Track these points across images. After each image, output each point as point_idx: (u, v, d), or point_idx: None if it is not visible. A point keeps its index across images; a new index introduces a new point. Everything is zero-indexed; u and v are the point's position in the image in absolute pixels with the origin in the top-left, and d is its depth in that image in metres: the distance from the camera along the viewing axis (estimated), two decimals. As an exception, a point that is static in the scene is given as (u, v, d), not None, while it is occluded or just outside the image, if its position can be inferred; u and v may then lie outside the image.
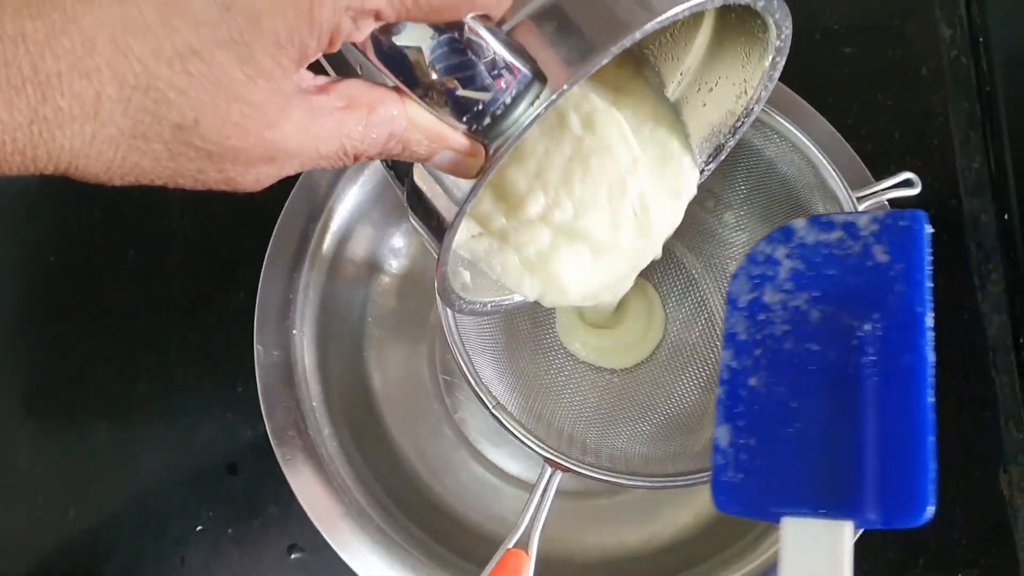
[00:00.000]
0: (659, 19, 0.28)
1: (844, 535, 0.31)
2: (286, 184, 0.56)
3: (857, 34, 0.65)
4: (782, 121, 0.53)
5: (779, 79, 0.39)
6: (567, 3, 0.29)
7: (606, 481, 0.48)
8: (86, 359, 0.62)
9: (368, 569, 0.50)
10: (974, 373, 0.60)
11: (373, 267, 0.59)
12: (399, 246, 0.60)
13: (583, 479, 0.49)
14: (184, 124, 0.22)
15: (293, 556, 0.58)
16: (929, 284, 0.37)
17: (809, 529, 0.32)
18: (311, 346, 0.54)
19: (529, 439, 0.49)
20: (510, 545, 0.47)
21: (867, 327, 0.35)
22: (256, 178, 0.25)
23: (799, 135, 0.52)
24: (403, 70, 0.27)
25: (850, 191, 0.52)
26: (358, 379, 0.57)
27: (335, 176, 0.55)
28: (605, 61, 0.28)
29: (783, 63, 0.38)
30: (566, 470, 0.49)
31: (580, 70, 0.28)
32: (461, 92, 0.27)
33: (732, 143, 0.44)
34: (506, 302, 0.45)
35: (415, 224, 0.35)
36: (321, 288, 0.55)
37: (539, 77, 0.28)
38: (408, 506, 0.53)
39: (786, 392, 0.35)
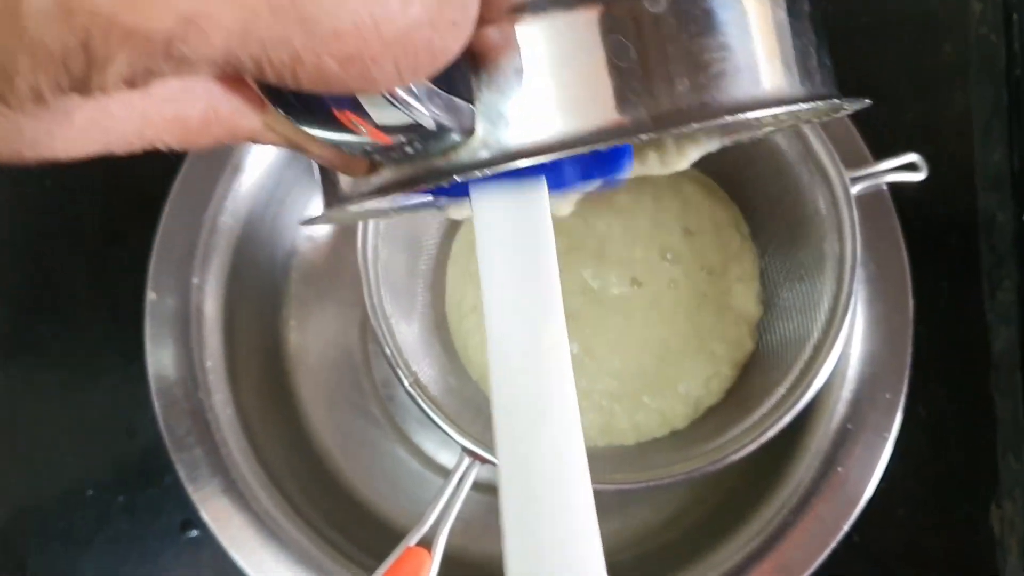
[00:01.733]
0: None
1: (539, 192, 0.26)
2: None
3: (872, 2, 0.58)
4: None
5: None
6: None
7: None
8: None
9: (255, 561, 0.44)
10: (972, 391, 0.52)
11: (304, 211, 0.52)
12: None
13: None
14: None
15: (188, 534, 0.52)
16: None
17: (500, 195, 0.26)
18: (214, 297, 0.47)
19: (446, 423, 0.42)
20: (412, 543, 0.41)
21: None
22: None
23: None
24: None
25: (844, 170, 0.45)
26: (270, 340, 0.50)
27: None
28: None
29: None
30: (484, 461, 0.42)
31: None
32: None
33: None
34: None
35: None
36: (237, 232, 0.49)
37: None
38: (312, 489, 0.47)
39: None
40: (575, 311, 0.49)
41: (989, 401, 0.52)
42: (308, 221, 0.34)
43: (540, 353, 0.25)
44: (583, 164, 0.28)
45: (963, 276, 0.54)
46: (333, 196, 0.28)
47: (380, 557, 0.41)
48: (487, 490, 0.50)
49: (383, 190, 0.25)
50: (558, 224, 0.45)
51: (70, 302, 0.55)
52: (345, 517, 0.47)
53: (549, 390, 0.25)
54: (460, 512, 0.42)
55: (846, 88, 0.50)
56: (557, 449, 0.24)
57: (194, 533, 0.51)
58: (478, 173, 0.22)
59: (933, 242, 0.53)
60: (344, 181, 0.27)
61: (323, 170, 0.28)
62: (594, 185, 0.29)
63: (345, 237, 0.54)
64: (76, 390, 0.54)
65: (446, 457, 0.52)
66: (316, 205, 0.54)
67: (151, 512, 0.52)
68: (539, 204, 0.26)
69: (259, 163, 0.49)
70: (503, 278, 0.26)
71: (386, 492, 0.49)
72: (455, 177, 0.22)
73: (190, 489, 0.44)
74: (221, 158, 0.49)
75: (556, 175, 0.27)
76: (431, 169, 0.23)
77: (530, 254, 0.26)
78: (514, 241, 0.26)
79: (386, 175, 0.25)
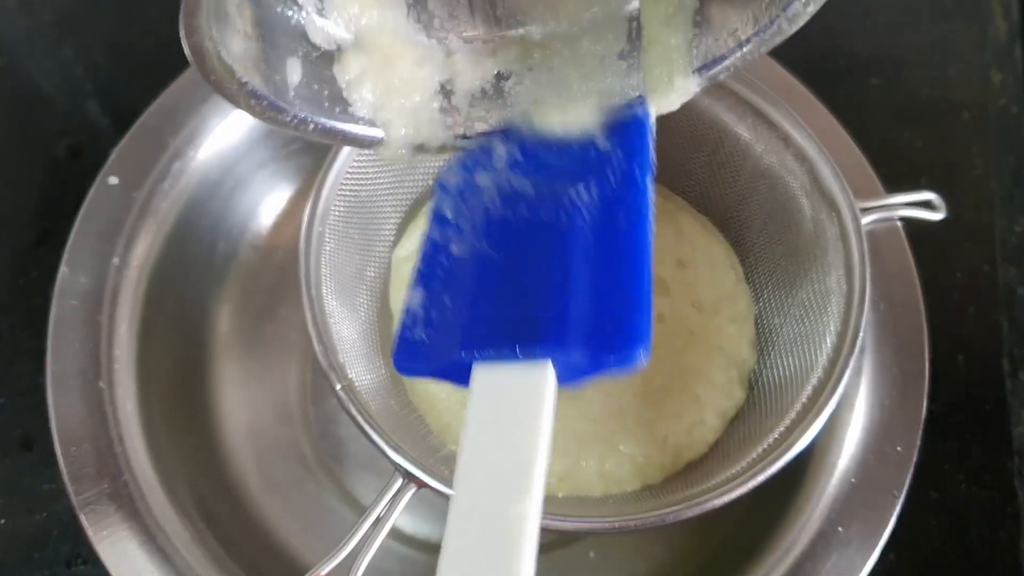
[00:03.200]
0: None
1: (543, 379, 0.27)
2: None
3: (887, 65, 0.55)
4: (774, 108, 0.42)
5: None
6: None
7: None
8: None
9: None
10: (992, 479, 0.46)
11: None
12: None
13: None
14: None
15: (73, 568, 0.44)
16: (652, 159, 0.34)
17: (504, 375, 0.27)
18: (134, 282, 0.42)
19: (379, 435, 0.36)
20: (321, 572, 0.34)
21: (584, 191, 0.32)
22: None
23: (795, 126, 0.41)
24: None
25: (854, 199, 0.40)
26: (192, 344, 0.44)
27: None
28: None
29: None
30: (422, 485, 0.36)
31: None
32: None
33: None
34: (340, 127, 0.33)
35: None
36: (172, 218, 0.44)
37: None
38: (217, 514, 0.40)
39: (489, 248, 0.32)
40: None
41: (1010, 492, 0.45)
42: None
43: (505, 527, 0.24)
44: (596, 351, 0.28)
45: (982, 353, 0.48)
46: None
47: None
48: (417, 545, 0.43)
49: None
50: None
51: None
52: (252, 549, 0.40)
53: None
54: (382, 562, 0.35)
55: (863, 146, 0.47)
56: None
57: (82, 568, 0.44)
58: None
59: (949, 312, 0.48)
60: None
61: None
62: (606, 375, 0.29)
63: (295, 251, 0.48)
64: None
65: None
66: (270, 206, 0.50)
67: (34, 541, 0.45)
68: (542, 390, 0.27)
69: (209, 148, 0.45)
70: (486, 450, 0.26)
71: (304, 532, 0.42)
72: None
73: (73, 490, 0.37)
74: (166, 139, 0.44)
75: (566, 364, 0.27)
76: None
77: (522, 435, 0.26)
78: (508, 419, 0.26)
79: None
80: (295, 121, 0.31)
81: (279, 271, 0.48)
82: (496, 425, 0.26)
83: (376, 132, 0.34)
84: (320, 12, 0.32)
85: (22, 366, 0.49)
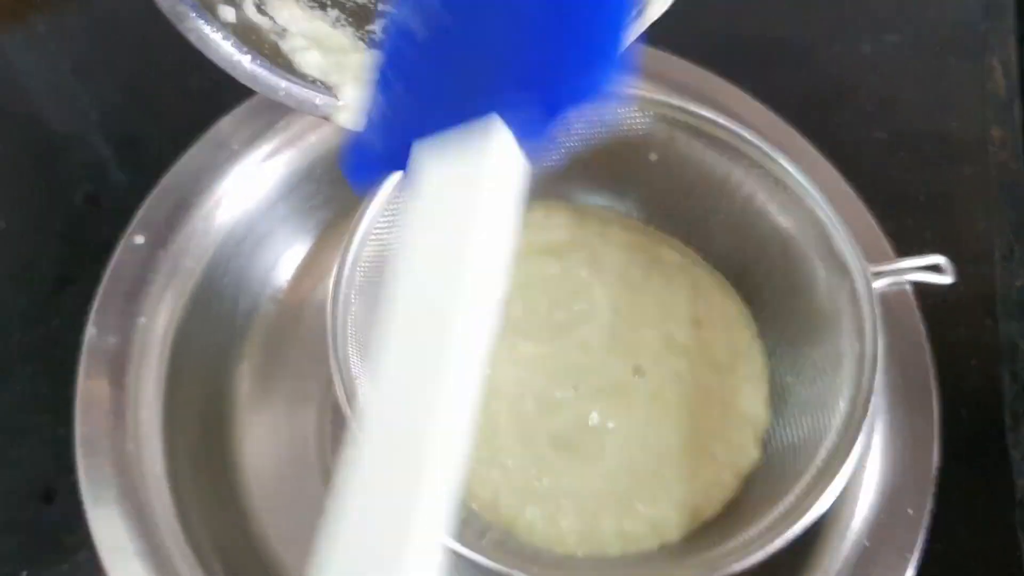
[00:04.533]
0: None
1: (492, 134, 0.21)
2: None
3: (889, 119, 0.56)
4: (787, 167, 0.43)
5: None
6: None
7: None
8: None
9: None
10: (995, 533, 0.47)
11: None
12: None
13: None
14: None
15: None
16: None
17: (449, 149, 0.21)
18: (161, 341, 0.42)
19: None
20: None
21: None
22: None
23: (809, 188, 0.43)
24: None
25: (865, 263, 0.41)
26: (216, 401, 0.45)
27: (249, 136, 0.46)
28: None
29: None
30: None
31: None
32: None
33: None
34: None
35: None
36: (196, 276, 0.44)
37: None
38: (238, 567, 0.40)
39: (440, 44, 0.24)
40: (570, 400, 0.44)
41: (1014, 547, 0.46)
42: None
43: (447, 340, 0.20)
44: (549, 80, 0.22)
45: (984, 406, 0.50)
46: None
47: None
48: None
49: None
50: (568, 286, 0.40)
51: (3, 352, 0.50)
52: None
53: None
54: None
55: (867, 201, 0.48)
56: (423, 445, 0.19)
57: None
58: None
59: (952, 366, 0.49)
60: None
61: None
62: (577, 116, 0.23)
63: (313, 304, 0.49)
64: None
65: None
66: (291, 260, 0.51)
67: (55, 593, 0.45)
68: (492, 144, 0.21)
69: (232, 206, 0.46)
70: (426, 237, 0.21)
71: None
72: None
73: (101, 549, 0.38)
74: (190, 198, 0.45)
75: (518, 113, 0.22)
76: None
77: (468, 209, 0.21)
78: (456, 195, 0.21)
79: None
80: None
81: (299, 324, 0.49)
82: (442, 204, 0.21)
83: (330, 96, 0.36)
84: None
85: (41, 416, 0.49)
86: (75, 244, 0.53)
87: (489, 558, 0.36)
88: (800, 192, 0.43)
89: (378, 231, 0.42)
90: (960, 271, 0.44)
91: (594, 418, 0.44)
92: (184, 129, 0.49)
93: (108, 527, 0.39)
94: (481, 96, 0.23)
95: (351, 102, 0.36)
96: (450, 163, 0.22)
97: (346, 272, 0.41)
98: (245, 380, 0.47)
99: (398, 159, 0.24)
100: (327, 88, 0.36)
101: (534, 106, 0.22)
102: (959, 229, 0.54)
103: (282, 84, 0.35)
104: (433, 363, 0.20)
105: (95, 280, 0.46)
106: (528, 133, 0.22)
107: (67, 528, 0.46)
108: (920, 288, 0.45)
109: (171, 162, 0.47)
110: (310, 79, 0.36)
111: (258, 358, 0.48)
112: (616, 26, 0.22)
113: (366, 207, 0.42)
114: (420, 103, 0.25)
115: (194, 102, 0.53)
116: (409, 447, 0.20)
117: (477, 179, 0.21)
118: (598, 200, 0.49)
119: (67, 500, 0.46)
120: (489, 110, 0.22)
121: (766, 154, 0.43)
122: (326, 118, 0.36)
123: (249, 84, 0.35)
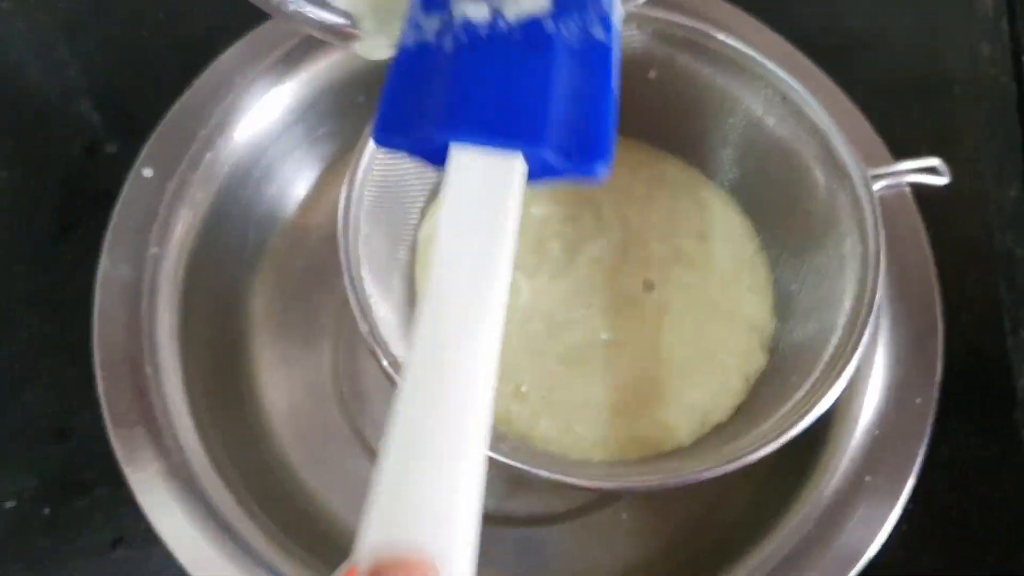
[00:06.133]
0: None
1: (515, 169, 0.28)
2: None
3: (878, 41, 0.57)
4: (787, 81, 0.44)
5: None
6: None
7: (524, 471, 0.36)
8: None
9: (195, 557, 0.38)
10: (997, 432, 0.48)
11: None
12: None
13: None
14: None
15: (117, 551, 0.45)
16: None
17: (478, 159, 0.28)
18: (173, 271, 0.43)
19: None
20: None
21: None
22: None
23: (807, 98, 0.43)
24: None
25: (864, 166, 0.42)
26: (229, 316, 0.45)
27: (251, 69, 0.46)
28: None
29: None
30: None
31: None
32: None
33: None
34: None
35: None
36: (205, 207, 0.45)
37: None
38: (263, 488, 0.41)
39: (471, 39, 0.31)
40: (584, 317, 0.45)
41: (1017, 443, 0.48)
42: None
43: (476, 310, 0.26)
44: (565, 154, 0.28)
45: (982, 314, 0.51)
46: None
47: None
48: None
49: None
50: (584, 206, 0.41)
51: (9, 299, 0.51)
52: (300, 522, 0.41)
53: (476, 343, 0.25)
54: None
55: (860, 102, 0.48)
56: (461, 415, 0.24)
57: (123, 551, 0.45)
58: None
59: (951, 274, 0.50)
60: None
61: None
62: (570, 180, 0.29)
63: (322, 234, 0.50)
64: (6, 391, 0.48)
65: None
66: (299, 191, 0.51)
67: (78, 527, 0.46)
68: (513, 177, 0.28)
69: (239, 137, 0.46)
70: (461, 229, 0.27)
71: (349, 504, 0.43)
72: None
73: (128, 471, 0.38)
74: (197, 131, 0.45)
75: (535, 160, 0.28)
76: None
77: (494, 217, 0.27)
78: (481, 201, 0.27)
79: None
80: None
81: (309, 255, 0.49)
82: (470, 206, 0.27)
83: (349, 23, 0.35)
84: None
85: (53, 359, 0.49)
86: (75, 193, 0.53)
87: (509, 459, 0.37)
88: (799, 102, 0.43)
89: (382, 157, 0.43)
90: (955, 185, 0.45)
91: (605, 335, 0.45)
92: (178, 80, 0.49)
93: (132, 449, 0.39)
94: (506, 125, 0.28)
95: (372, 31, 0.36)
96: (484, 182, 0.28)
97: (354, 195, 0.41)
98: (258, 309, 0.48)
99: (424, 147, 0.29)
100: (347, 15, 0.36)
101: (547, 163, 0.28)
102: (951, 149, 0.55)
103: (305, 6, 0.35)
104: (478, 294, 0.26)
105: (97, 227, 0.46)
106: (531, 176, 0.29)
107: (84, 465, 0.47)
108: (918, 194, 0.46)
109: (167, 109, 0.47)
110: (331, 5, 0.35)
111: (270, 288, 0.48)
112: (608, 120, 0.29)
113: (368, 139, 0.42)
114: (448, 100, 0.29)
115: (185, 53, 0.53)
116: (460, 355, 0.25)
117: (504, 208, 0.27)
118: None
119: (82, 438, 0.47)
120: (517, 147, 0.28)
121: (764, 66, 0.44)
122: (344, 42, 0.36)
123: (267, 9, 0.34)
